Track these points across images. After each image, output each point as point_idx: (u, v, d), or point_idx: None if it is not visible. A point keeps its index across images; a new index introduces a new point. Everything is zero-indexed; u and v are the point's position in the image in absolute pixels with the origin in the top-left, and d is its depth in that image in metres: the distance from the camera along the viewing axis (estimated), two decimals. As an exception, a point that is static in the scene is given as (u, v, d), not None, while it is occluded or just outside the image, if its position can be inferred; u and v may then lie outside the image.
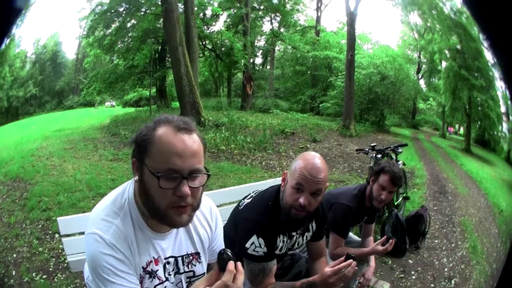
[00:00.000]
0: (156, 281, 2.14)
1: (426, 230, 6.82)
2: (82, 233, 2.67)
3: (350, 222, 4.13)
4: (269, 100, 23.16)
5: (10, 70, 17.70)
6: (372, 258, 4.18)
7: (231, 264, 1.87)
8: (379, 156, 6.89)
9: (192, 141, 1.91)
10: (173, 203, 1.88)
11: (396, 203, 7.10)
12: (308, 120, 19.50)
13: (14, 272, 5.34)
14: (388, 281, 5.44)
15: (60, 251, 5.76)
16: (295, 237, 3.14)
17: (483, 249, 6.87)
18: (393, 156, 7.23)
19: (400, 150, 7.25)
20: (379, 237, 6.14)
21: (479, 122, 15.78)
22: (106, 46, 20.39)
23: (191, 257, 2.29)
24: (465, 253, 6.67)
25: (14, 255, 5.84)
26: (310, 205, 2.76)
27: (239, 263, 1.91)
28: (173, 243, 2.22)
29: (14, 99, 18.66)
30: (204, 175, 1.95)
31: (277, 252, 2.95)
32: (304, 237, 3.23)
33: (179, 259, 2.25)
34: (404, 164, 7.56)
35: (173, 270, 2.22)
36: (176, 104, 18.13)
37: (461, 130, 18.94)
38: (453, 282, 5.67)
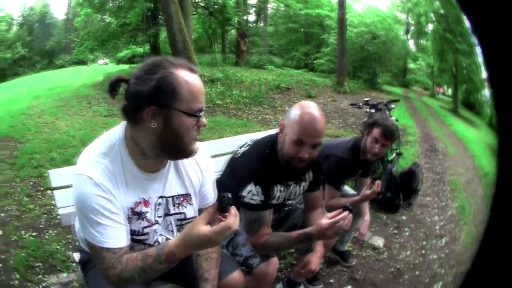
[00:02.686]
0: (145, 223, 2.13)
1: (419, 187, 6.68)
2: (74, 185, 2.73)
3: (344, 174, 4.03)
4: (264, 56, 23.14)
5: None
6: (367, 212, 4.10)
7: (233, 208, 1.91)
8: (372, 110, 6.76)
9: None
10: (195, 135, 1.98)
11: (389, 159, 6.95)
12: (302, 76, 19.20)
13: (1, 232, 5.13)
14: (382, 236, 5.36)
15: (52, 207, 5.54)
16: (291, 187, 3.08)
17: (470, 210, 6.75)
18: (387, 112, 6.99)
19: (392, 106, 7.11)
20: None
21: (464, 85, 15.77)
22: (96, 5, 20.35)
23: (181, 198, 2.27)
24: (454, 212, 6.59)
25: (2, 214, 5.64)
26: (310, 157, 2.71)
27: (235, 208, 1.94)
28: (163, 183, 2.18)
29: (1, 61, 18.55)
30: None
31: (274, 201, 2.93)
32: (301, 187, 3.17)
33: (169, 200, 2.22)
34: (397, 120, 7.31)
35: (163, 211, 2.21)
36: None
37: (449, 91, 18.91)
38: (443, 240, 5.56)
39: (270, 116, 12.24)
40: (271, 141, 2.95)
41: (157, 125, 1.89)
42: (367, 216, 4.07)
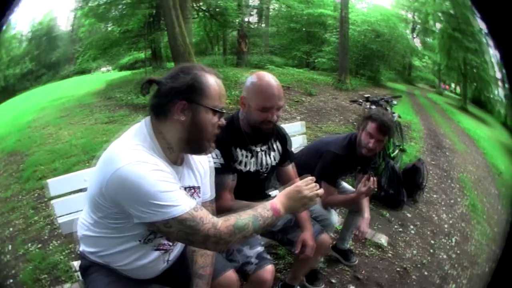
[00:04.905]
0: None
1: (424, 183, 6.50)
2: (73, 192, 3.00)
3: (338, 170, 3.97)
4: (265, 56, 23.06)
5: (7, 51, 17.83)
6: (367, 209, 4.01)
7: (308, 177, 2.19)
8: (373, 107, 6.54)
9: None
10: (214, 133, 2.17)
11: (392, 155, 6.79)
12: (303, 75, 19.16)
13: (10, 247, 5.20)
14: (386, 234, 5.18)
15: (54, 217, 5.53)
16: (259, 154, 3.19)
17: (484, 209, 6.65)
18: (388, 108, 6.82)
19: (394, 102, 6.97)
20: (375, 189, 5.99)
21: (474, 84, 15.69)
22: (100, 15, 20.47)
23: (192, 190, 2.37)
24: (465, 210, 6.42)
25: (10, 229, 5.69)
26: (277, 118, 2.93)
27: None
28: (180, 175, 2.26)
29: (11, 78, 18.73)
30: None
31: (242, 167, 3.08)
32: (271, 157, 3.29)
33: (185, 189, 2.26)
34: (399, 116, 7.28)
35: None
36: (171, 64, 17.87)
37: (457, 89, 18.80)
38: (453, 240, 5.38)
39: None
40: (231, 115, 3.13)
41: (185, 118, 2.07)
42: (367, 214, 3.97)
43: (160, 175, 1.91)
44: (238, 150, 3.03)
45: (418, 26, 22.13)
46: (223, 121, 2.17)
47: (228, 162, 2.93)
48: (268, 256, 2.92)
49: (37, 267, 4.50)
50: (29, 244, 5.08)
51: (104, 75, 21.84)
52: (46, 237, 5.24)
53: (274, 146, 3.30)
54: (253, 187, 3.15)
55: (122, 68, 22.49)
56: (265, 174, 3.27)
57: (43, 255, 4.74)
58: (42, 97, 17.52)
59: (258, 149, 3.15)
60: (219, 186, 2.77)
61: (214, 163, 2.77)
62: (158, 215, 1.89)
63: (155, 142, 2.09)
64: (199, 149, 2.21)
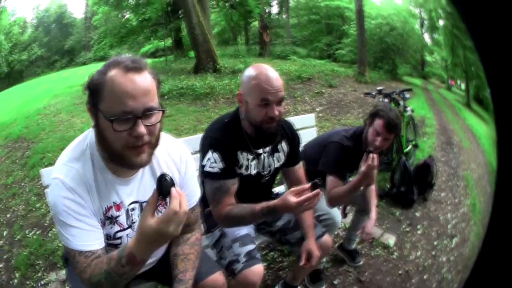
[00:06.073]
0: (117, 228, 2.06)
1: (433, 181, 6.33)
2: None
3: (345, 162, 3.66)
4: (287, 47, 22.99)
5: (7, 37, 17.64)
6: (373, 209, 3.73)
7: (174, 190, 1.71)
8: (386, 100, 6.45)
9: (143, 79, 1.74)
10: (129, 143, 1.76)
11: (405, 151, 6.63)
12: (325, 66, 18.70)
13: (5, 232, 5.28)
14: (394, 234, 5.05)
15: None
16: (263, 157, 2.93)
17: (480, 209, 6.35)
18: (401, 102, 6.70)
19: (407, 95, 6.78)
20: (387, 185, 6.01)
21: (474, 81, 15.65)
22: (112, 3, 20.59)
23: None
24: (466, 210, 6.23)
25: (8, 215, 5.75)
26: (280, 114, 2.62)
27: (177, 188, 1.75)
28: (137, 187, 2.07)
29: (16, 63, 18.56)
30: (159, 112, 1.81)
31: (243, 171, 2.84)
32: (275, 159, 3.03)
33: (144, 205, 1.99)
34: (413, 111, 7.10)
35: (138, 216, 2.10)
36: (193, 53, 17.65)
37: (462, 86, 18.77)
38: (454, 241, 5.24)
39: (289, 107, 11.69)
40: (233, 112, 2.87)
41: (94, 124, 1.83)
42: (373, 214, 3.72)
43: (68, 205, 1.83)
44: (239, 153, 2.79)
45: (425, 22, 22.07)
46: (138, 131, 1.72)
47: (229, 166, 2.69)
48: (258, 256, 2.77)
49: (33, 253, 4.54)
50: (27, 231, 5.12)
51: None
52: (46, 224, 5.25)
53: (279, 146, 3.03)
54: (254, 191, 2.91)
55: (143, 56, 22.56)
56: (267, 177, 3.06)
57: (40, 241, 4.77)
58: (54, 84, 17.16)
59: (261, 151, 2.91)
60: (218, 192, 2.65)
61: (213, 168, 2.63)
62: (58, 233, 1.91)
63: (94, 153, 1.92)
64: (120, 163, 1.86)
